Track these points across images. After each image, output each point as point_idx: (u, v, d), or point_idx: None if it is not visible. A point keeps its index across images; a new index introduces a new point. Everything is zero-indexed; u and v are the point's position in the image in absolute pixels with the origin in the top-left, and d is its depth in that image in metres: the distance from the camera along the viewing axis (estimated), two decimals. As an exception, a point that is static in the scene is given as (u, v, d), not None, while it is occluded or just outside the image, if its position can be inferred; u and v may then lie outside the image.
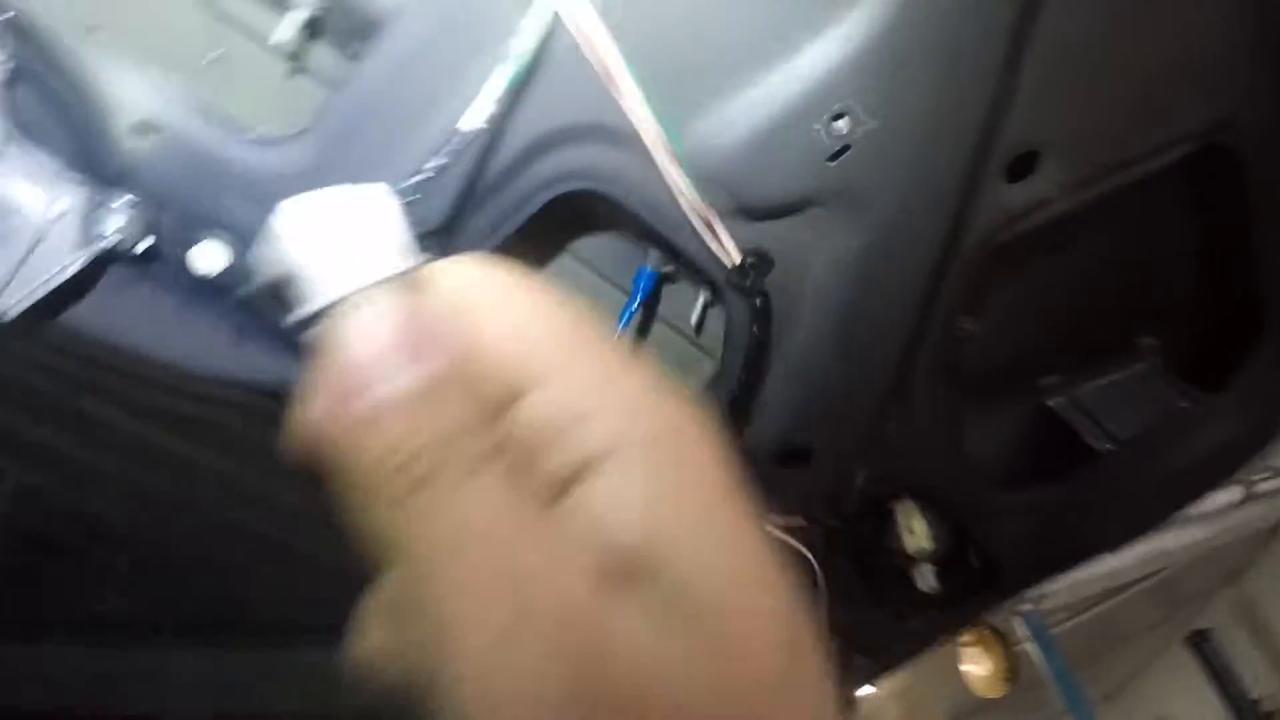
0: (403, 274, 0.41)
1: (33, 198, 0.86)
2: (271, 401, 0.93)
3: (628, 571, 0.38)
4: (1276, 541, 4.80)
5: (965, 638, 4.21)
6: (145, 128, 0.88)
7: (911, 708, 4.83)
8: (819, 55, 1.00)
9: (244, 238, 0.91)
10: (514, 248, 1.07)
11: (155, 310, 0.91)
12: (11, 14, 0.87)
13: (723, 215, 1.04)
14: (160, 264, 0.90)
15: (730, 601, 0.39)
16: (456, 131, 0.91)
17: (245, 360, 0.94)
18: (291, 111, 0.94)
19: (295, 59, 1.01)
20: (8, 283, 0.84)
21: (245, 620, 0.92)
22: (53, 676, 0.80)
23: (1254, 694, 4.96)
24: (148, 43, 0.90)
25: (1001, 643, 4.31)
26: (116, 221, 0.89)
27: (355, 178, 0.46)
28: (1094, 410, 1.56)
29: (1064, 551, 1.71)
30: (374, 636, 0.40)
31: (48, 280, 0.85)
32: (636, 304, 1.17)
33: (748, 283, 1.09)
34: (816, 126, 1.02)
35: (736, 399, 1.24)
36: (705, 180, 1.01)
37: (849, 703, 2.00)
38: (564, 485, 0.40)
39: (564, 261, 1.26)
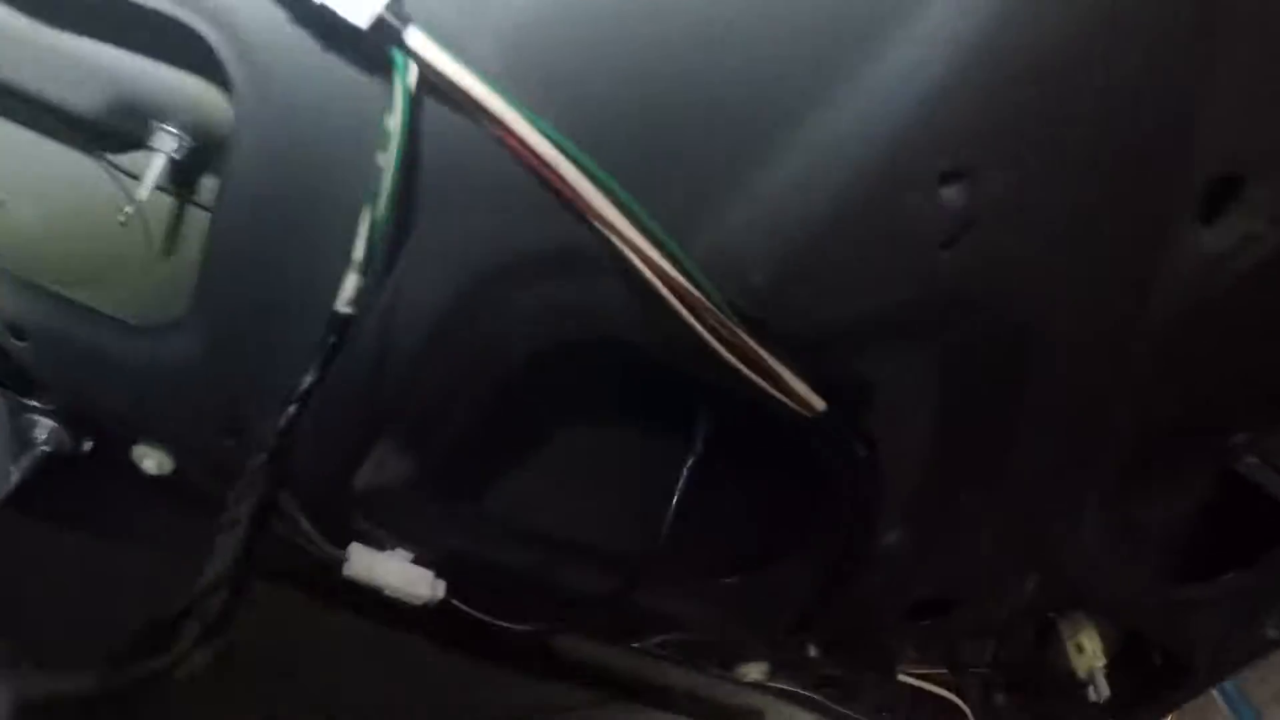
0: None
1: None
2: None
3: None
4: None
5: None
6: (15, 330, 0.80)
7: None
8: (895, 78, 0.63)
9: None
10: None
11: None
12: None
13: (778, 349, 0.68)
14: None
15: None
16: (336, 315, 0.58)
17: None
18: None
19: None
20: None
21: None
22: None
23: None
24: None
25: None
26: (45, 426, 0.90)
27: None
28: (1292, 471, 1.21)
29: (1264, 638, 1.35)
30: None
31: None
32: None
33: (839, 433, 0.73)
34: (914, 199, 0.65)
35: (843, 560, 0.89)
36: (741, 305, 0.66)
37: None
38: None
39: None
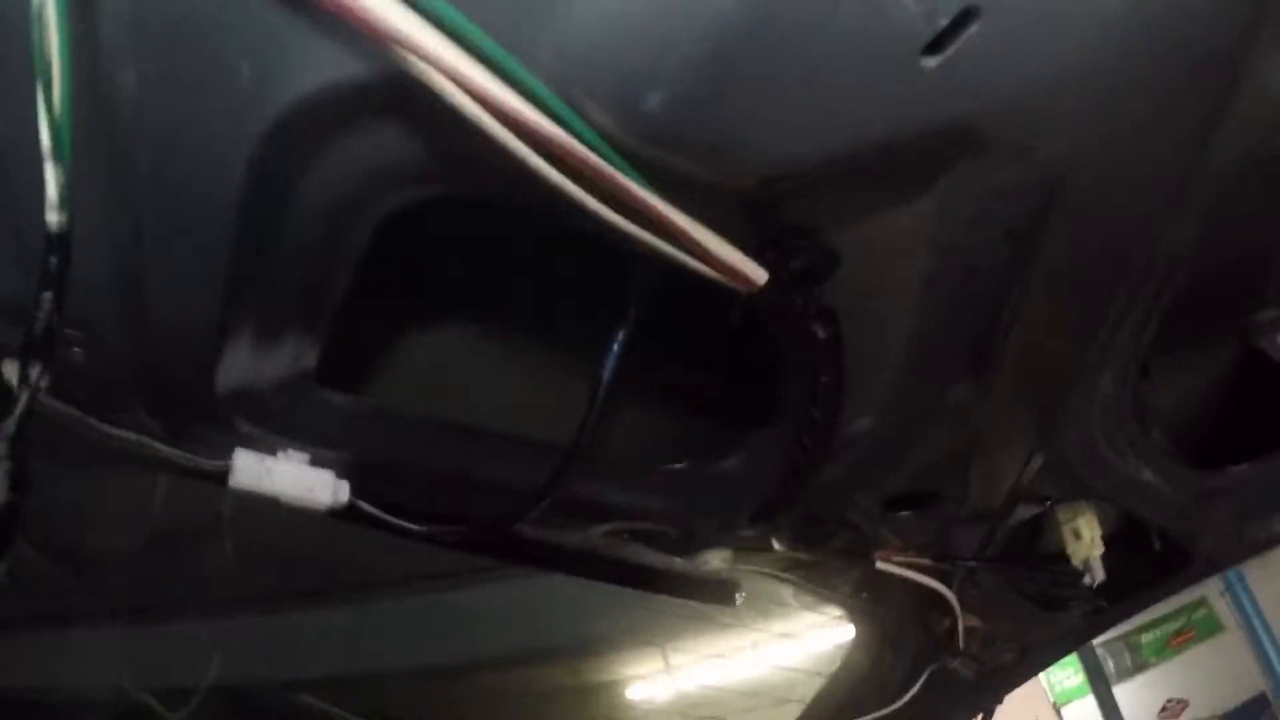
0: None
1: None
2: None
3: None
4: None
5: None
6: None
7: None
8: None
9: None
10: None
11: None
12: None
13: (694, 205, 0.52)
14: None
15: None
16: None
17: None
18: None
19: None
20: None
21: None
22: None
23: None
24: None
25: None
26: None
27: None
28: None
29: (1272, 533, 1.24)
30: None
31: None
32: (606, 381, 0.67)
33: (792, 310, 0.59)
34: None
35: (803, 450, 0.76)
36: (631, 144, 0.49)
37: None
38: None
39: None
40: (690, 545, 1.02)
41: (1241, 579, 4.23)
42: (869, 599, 1.34)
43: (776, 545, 0.99)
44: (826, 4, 0.43)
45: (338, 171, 0.51)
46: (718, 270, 0.53)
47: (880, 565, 1.12)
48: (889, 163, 0.52)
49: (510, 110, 0.43)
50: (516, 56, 0.43)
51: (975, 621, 1.36)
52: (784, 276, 0.58)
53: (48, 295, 0.47)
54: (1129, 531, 1.28)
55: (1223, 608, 4.39)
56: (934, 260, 0.61)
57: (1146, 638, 4.36)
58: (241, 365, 0.64)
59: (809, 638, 1.79)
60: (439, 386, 0.83)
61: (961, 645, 1.38)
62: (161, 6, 0.44)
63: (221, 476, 0.70)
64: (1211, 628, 4.42)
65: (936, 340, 0.70)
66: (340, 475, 0.74)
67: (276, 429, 0.70)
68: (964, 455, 0.90)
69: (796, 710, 1.66)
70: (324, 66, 0.45)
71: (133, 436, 0.66)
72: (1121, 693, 4.67)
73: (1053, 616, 1.38)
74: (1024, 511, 1.13)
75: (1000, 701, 1.56)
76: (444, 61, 0.42)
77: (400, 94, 0.45)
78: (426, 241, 0.69)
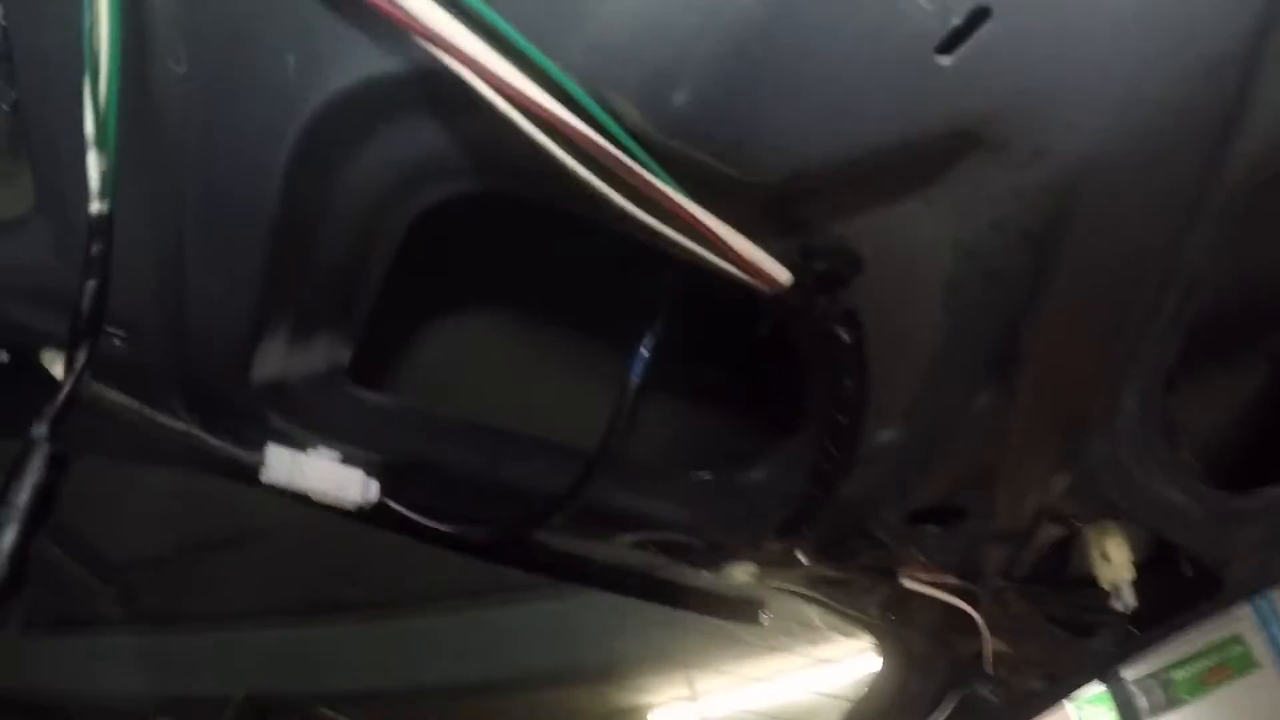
0: None
1: None
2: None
3: None
4: None
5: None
6: None
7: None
8: None
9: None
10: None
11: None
12: None
13: (720, 203, 0.53)
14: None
15: None
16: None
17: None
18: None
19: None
20: None
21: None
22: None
23: None
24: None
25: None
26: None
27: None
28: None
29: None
30: None
31: None
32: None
33: (815, 314, 0.60)
34: None
35: (826, 462, 0.77)
36: (660, 140, 0.50)
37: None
38: None
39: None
40: (716, 558, 1.02)
41: (1277, 616, 4.15)
42: (895, 621, 1.33)
43: (802, 559, 0.99)
44: (847, 2, 0.45)
45: (374, 165, 0.53)
46: (743, 269, 0.54)
47: (906, 583, 1.11)
48: (909, 162, 0.54)
49: (541, 106, 0.44)
50: (549, 54, 0.44)
51: (1002, 646, 1.35)
52: (807, 279, 0.59)
53: (91, 283, 0.48)
54: (1159, 557, 1.26)
55: (1258, 644, 4.30)
56: (956, 265, 0.61)
57: (1180, 674, 4.28)
58: (276, 359, 0.66)
59: (838, 665, 1.78)
60: (469, 388, 0.84)
61: (989, 670, 1.36)
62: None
63: (254, 472, 0.71)
64: (1246, 664, 4.34)
65: (960, 348, 0.70)
66: (370, 475, 0.75)
67: (308, 425, 0.72)
68: (990, 471, 0.89)
69: (822, 737, 1.65)
70: (363, 61, 0.47)
71: (181, 426, 0.67)
72: (1153, 729, 4.59)
73: (1081, 642, 1.37)
74: (1052, 532, 1.12)
75: (1027, 730, 1.54)
76: (477, 57, 0.43)
77: (435, 89, 0.47)
78: (458, 242, 0.70)
